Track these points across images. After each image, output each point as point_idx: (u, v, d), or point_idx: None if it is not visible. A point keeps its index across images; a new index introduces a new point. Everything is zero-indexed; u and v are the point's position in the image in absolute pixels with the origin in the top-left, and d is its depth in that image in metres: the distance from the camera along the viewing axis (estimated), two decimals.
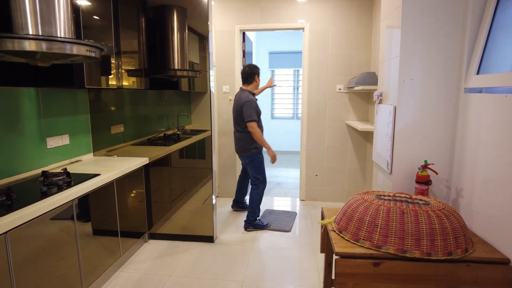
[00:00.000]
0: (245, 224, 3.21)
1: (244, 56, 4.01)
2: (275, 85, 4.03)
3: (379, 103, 2.11)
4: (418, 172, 1.74)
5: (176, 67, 3.01)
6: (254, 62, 5.68)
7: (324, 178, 3.97)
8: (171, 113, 3.96)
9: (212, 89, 2.91)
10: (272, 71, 6.90)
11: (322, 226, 1.65)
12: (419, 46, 1.73)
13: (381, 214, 1.39)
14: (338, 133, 3.87)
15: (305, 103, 3.87)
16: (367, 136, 3.78)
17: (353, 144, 3.85)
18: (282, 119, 7.06)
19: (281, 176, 5.31)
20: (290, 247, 2.83)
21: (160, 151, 2.92)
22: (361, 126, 3.18)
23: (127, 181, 2.50)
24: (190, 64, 3.14)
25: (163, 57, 3.00)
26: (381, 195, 1.57)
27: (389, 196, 1.55)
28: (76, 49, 1.63)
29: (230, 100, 3.92)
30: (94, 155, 2.76)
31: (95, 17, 2.19)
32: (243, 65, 3.98)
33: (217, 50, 3.86)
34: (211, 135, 2.94)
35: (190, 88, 3.67)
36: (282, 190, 4.52)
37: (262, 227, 3.19)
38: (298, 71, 6.84)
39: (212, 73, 2.88)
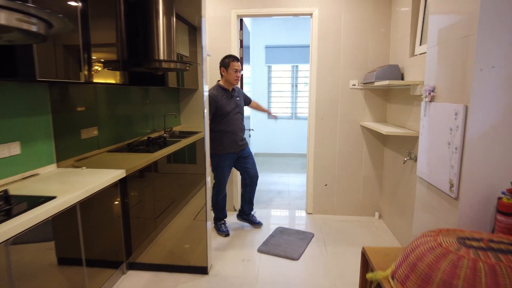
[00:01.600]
0: None
1: (241, 46, 3.46)
2: (274, 117, 3.55)
3: (430, 101, 1.60)
4: (502, 199, 1.23)
5: (161, 58, 2.46)
6: (250, 57, 5.13)
7: (335, 187, 3.45)
8: (157, 113, 3.39)
9: (205, 85, 2.36)
10: (269, 66, 6.36)
11: (373, 281, 1.12)
12: (504, 21, 1.22)
13: (482, 278, 0.87)
14: (352, 135, 3.35)
15: (313, 101, 3.35)
16: (385, 139, 3.28)
17: (369, 148, 3.34)
18: (279, 119, 6.53)
19: (281, 182, 4.77)
20: (302, 280, 2.30)
21: (142, 160, 2.36)
22: (385, 129, 2.66)
23: (97, 202, 1.94)
24: (178, 56, 2.59)
25: (146, 45, 2.45)
26: (464, 238, 1.05)
27: (477, 240, 1.04)
28: (2, 17, 1.07)
29: None
30: (58, 167, 2.18)
31: None
32: (240, 57, 3.43)
33: (210, 39, 3.30)
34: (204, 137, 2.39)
35: (179, 85, 3.12)
36: (284, 201, 3.98)
37: (218, 231, 3.07)
38: (297, 67, 6.32)
39: (205, 65, 2.32)
